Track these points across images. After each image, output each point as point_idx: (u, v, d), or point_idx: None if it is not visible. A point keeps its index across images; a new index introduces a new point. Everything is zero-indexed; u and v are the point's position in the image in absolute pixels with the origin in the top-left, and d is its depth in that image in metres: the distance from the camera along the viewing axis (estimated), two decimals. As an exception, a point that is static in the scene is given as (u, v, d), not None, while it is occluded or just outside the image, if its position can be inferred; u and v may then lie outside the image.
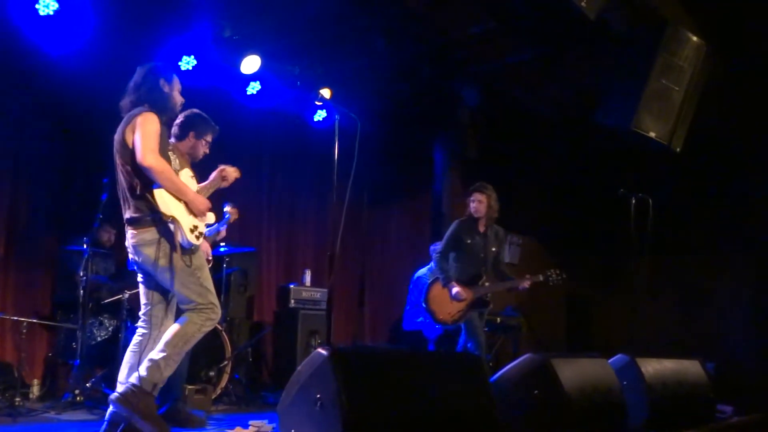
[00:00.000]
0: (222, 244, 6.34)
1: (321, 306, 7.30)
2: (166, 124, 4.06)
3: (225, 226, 5.52)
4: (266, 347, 7.63)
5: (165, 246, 3.72)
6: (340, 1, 6.32)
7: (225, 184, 4.40)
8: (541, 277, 5.91)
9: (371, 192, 8.81)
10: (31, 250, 6.07)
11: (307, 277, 7.67)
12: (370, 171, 7.79)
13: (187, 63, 6.40)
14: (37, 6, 5.48)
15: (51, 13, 5.52)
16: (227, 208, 5.55)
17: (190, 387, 5.32)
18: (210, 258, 4.95)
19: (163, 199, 3.71)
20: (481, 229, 6.02)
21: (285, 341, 7.23)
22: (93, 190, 5.51)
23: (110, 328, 5.67)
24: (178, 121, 4.63)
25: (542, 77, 7.93)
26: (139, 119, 3.77)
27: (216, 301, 3.88)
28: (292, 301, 7.26)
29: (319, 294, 7.43)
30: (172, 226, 3.72)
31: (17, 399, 4.85)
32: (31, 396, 5.56)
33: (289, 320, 7.18)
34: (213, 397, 5.59)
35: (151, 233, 3.74)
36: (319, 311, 7.26)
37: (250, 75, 6.88)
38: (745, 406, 6.08)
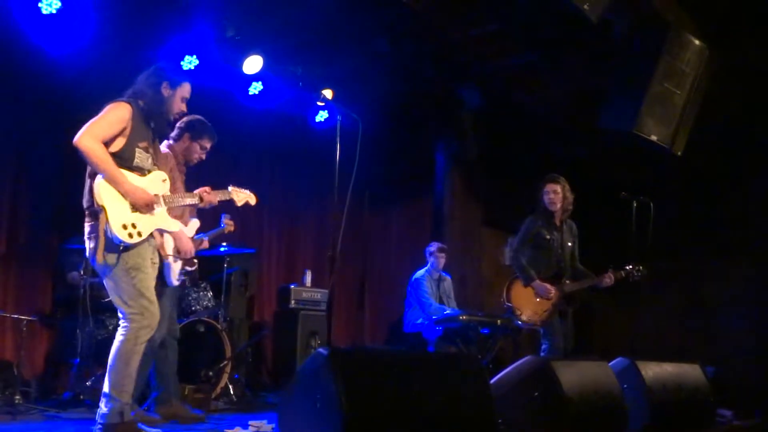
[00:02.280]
0: (223, 244, 6.34)
1: (321, 307, 7.30)
2: (155, 127, 3.99)
3: (206, 236, 5.20)
4: (266, 347, 7.63)
5: (98, 241, 3.66)
6: (343, 2, 6.32)
7: (202, 204, 4.25)
8: (622, 273, 5.78)
9: (372, 193, 8.81)
10: (31, 248, 6.06)
11: (308, 278, 7.67)
12: (371, 172, 7.77)
13: (189, 63, 6.40)
14: (39, 4, 5.48)
15: (54, 11, 5.52)
16: (225, 219, 5.40)
17: (189, 386, 5.32)
18: (192, 258, 4.89)
19: (99, 190, 3.64)
20: (557, 222, 5.91)
21: (285, 342, 7.24)
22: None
23: (110, 327, 5.64)
24: (179, 123, 4.65)
25: (544, 80, 7.93)
26: (110, 105, 3.78)
27: (150, 305, 3.74)
28: (293, 301, 7.27)
29: (319, 295, 7.43)
30: (101, 216, 3.64)
31: (17, 397, 4.84)
32: (31, 394, 5.55)
33: (289, 321, 7.19)
34: (212, 396, 5.59)
35: (89, 227, 3.72)
36: (319, 312, 7.26)
37: (252, 75, 6.88)
38: (744, 410, 6.07)
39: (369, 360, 3.11)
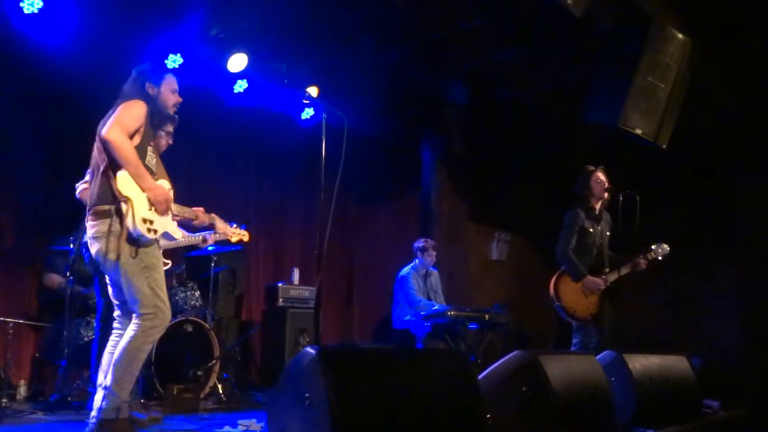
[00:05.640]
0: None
1: (309, 304, 7.29)
2: (158, 126, 4.04)
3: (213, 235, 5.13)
4: (255, 346, 7.62)
5: (115, 239, 3.63)
6: (327, -1, 6.32)
7: (196, 222, 4.27)
8: (652, 255, 5.80)
9: (359, 190, 8.81)
10: (17, 250, 6.03)
11: (296, 276, 7.66)
12: (357, 169, 7.78)
13: (174, 61, 6.38)
14: (21, 4, 5.44)
15: (35, 11, 5.48)
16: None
17: (178, 386, 5.31)
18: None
19: (123, 183, 3.64)
20: (597, 213, 5.90)
21: (273, 340, 7.23)
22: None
23: (97, 329, 5.64)
24: None
25: (529, 74, 7.94)
26: (127, 102, 3.76)
27: (163, 305, 3.74)
28: (281, 299, 7.26)
29: (307, 292, 7.42)
30: (124, 207, 3.62)
31: (4, 400, 4.83)
32: (18, 397, 5.53)
33: (278, 319, 7.18)
34: (201, 396, 5.58)
35: (104, 224, 3.66)
36: (307, 309, 7.25)
37: (237, 73, 6.86)
38: (731, 400, 6.12)
39: (357, 357, 3.11)
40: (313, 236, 8.09)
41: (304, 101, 7.53)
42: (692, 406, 5.08)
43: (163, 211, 3.80)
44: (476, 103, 8.54)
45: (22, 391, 5.63)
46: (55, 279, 5.81)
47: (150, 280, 3.71)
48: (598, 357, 4.51)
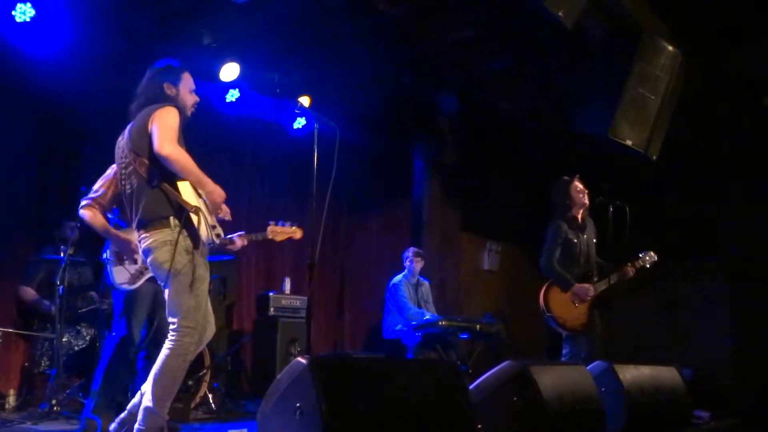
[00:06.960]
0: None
1: (301, 314, 7.27)
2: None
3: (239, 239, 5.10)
4: (246, 356, 7.59)
5: (178, 247, 3.52)
6: (319, 9, 6.33)
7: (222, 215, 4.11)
8: (640, 263, 5.79)
9: (351, 199, 8.82)
10: (6, 258, 6.00)
11: (287, 285, 7.64)
12: (349, 178, 7.81)
13: (166, 70, 6.36)
14: (13, 12, 5.42)
15: (27, 19, 5.47)
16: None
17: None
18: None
19: (187, 192, 3.58)
20: (580, 221, 5.88)
21: (264, 349, 7.20)
22: (70, 198, 5.46)
23: (87, 338, 5.62)
24: None
25: (520, 84, 7.98)
26: (160, 110, 3.65)
27: (203, 320, 3.63)
28: (272, 309, 7.23)
29: (298, 302, 7.40)
30: (195, 218, 3.53)
31: (-7, 410, 4.79)
32: (7, 406, 5.49)
33: (269, 328, 7.15)
34: (192, 406, 5.56)
35: (164, 234, 3.55)
36: (298, 319, 7.23)
37: (229, 82, 6.85)
38: (721, 411, 6.14)
39: (348, 367, 3.12)
40: (305, 245, 8.08)
41: (296, 111, 7.53)
42: (682, 417, 5.09)
43: (216, 211, 3.75)
44: (468, 113, 8.57)
45: (11, 400, 5.59)
46: (29, 293, 5.78)
47: (197, 293, 3.59)
48: (588, 367, 4.52)
